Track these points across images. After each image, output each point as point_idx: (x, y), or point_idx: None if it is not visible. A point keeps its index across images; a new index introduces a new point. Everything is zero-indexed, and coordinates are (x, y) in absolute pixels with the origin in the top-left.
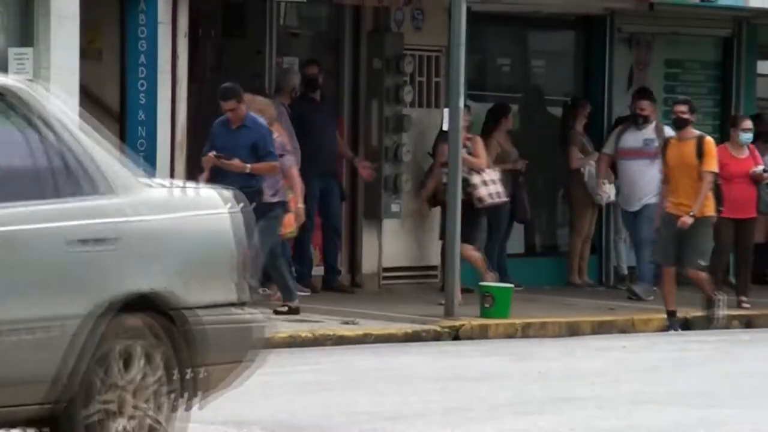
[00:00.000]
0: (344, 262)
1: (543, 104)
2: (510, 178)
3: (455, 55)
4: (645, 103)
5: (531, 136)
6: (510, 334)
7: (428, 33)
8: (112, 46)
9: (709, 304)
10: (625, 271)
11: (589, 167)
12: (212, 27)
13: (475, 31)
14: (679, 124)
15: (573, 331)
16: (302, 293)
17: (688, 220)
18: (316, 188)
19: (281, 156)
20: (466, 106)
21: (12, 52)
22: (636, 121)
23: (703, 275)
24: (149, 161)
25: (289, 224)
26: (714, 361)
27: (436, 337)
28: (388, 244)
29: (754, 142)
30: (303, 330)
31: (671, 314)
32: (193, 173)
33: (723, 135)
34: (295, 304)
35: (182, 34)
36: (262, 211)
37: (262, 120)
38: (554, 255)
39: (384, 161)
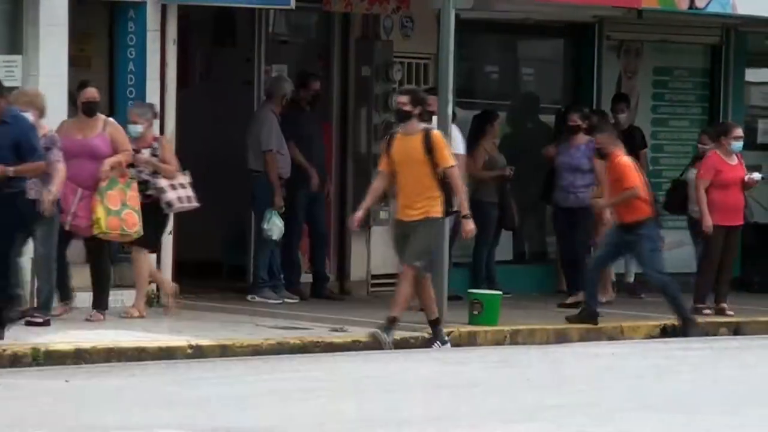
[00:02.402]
0: (333, 270)
1: (532, 112)
2: (498, 186)
3: (444, 63)
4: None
5: (520, 144)
6: (498, 341)
7: (417, 40)
8: (102, 53)
9: (390, 323)
10: (614, 279)
11: None
12: (201, 35)
13: (464, 39)
14: (401, 117)
15: (561, 338)
16: (291, 300)
17: (469, 227)
18: (304, 196)
19: (48, 150)
20: (457, 111)
21: (1, 59)
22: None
23: (407, 283)
24: None
25: (134, 223)
26: (702, 368)
27: (425, 344)
28: (376, 252)
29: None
30: (292, 337)
31: (434, 323)
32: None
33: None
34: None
35: (171, 42)
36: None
37: (24, 114)
38: (543, 262)
39: (372, 168)
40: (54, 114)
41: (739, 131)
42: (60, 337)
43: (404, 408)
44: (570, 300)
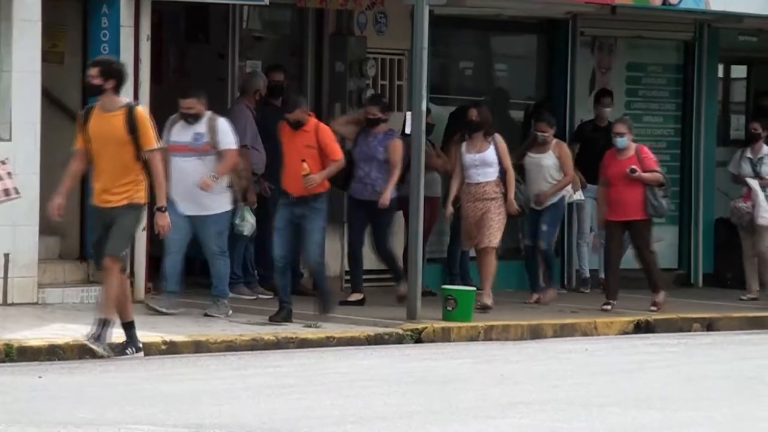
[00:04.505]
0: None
1: (506, 107)
2: None
3: (418, 59)
4: (191, 102)
5: None
6: (472, 336)
7: (391, 36)
8: (75, 49)
9: (102, 324)
10: (587, 274)
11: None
12: (175, 30)
13: (438, 35)
14: (92, 92)
15: (535, 333)
16: (265, 296)
17: (161, 222)
18: (278, 192)
19: None
20: (427, 108)
21: None
22: (186, 121)
23: (116, 274)
24: None
25: None
26: (676, 364)
27: (399, 339)
28: None
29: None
30: (266, 333)
31: (128, 326)
32: None
33: (684, 138)
34: None
35: (145, 38)
36: None
37: None
38: (517, 258)
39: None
40: (27, 110)
41: (618, 127)
42: (33, 333)
43: (377, 404)
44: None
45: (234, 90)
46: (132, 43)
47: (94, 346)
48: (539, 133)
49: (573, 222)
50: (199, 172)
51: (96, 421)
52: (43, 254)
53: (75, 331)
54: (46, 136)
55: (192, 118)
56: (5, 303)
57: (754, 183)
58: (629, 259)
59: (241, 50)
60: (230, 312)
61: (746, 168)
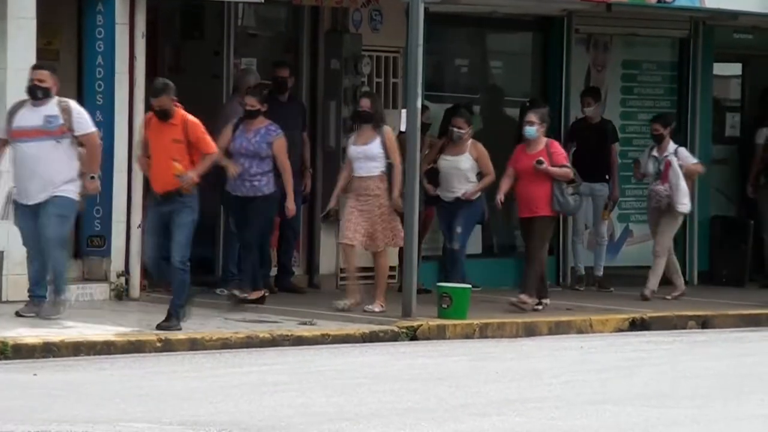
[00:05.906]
0: (302, 263)
1: (501, 105)
2: None
3: (413, 56)
4: (44, 74)
5: (489, 137)
6: (467, 334)
7: (386, 34)
8: (70, 46)
9: None
10: (583, 272)
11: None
12: (170, 28)
13: (433, 32)
14: None
15: (530, 331)
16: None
17: None
18: (279, 188)
19: None
20: (425, 106)
21: None
22: (33, 94)
23: None
24: (107, 161)
25: None
26: (671, 362)
27: (394, 337)
28: None
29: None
30: (261, 330)
31: None
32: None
33: (679, 135)
34: None
35: (140, 35)
36: None
37: None
38: (512, 256)
39: (342, 162)
40: None
41: (530, 116)
42: (28, 331)
43: (372, 401)
44: (253, 296)
45: (229, 87)
46: (127, 41)
47: None
48: (455, 130)
49: (568, 219)
50: (53, 157)
51: (91, 419)
52: None
53: (70, 328)
54: None
55: (42, 93)
56: (0, 300)
57: (675, 168)
58: (629, 258)
59: (236, 47)
60: (64, 311)
61: (651, 166)
